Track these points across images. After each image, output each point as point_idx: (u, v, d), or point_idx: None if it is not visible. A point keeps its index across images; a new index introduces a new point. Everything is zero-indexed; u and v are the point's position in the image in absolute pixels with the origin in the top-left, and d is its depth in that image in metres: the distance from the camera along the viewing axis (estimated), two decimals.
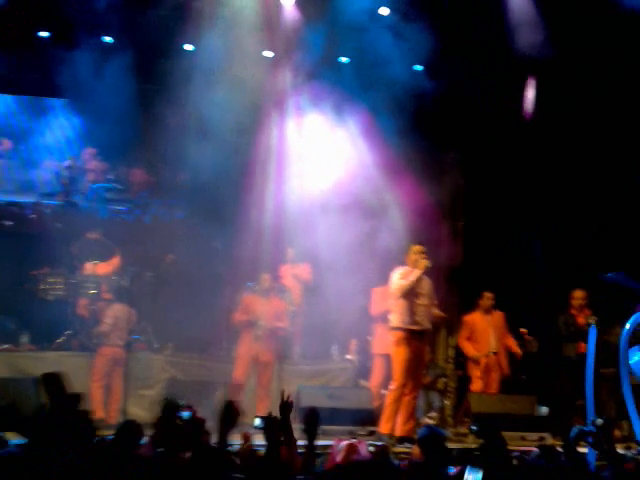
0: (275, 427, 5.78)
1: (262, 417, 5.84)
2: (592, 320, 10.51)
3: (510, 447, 6.27)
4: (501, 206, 13.20)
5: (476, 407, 10.48)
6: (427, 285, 9.79)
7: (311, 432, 5.97)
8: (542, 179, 12.95)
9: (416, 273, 9.58)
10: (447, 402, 11.45)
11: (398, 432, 9.64)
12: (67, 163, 13.83)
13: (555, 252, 12.75)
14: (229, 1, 12.29)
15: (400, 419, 9.69)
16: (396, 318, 9.65)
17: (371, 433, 9.90)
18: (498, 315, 11.38)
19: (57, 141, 13.92)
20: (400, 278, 9.63)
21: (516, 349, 11.27)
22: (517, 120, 13.22)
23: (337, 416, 9.86)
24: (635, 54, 11.67)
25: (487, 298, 11.34)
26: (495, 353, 11.22)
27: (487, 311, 11.34)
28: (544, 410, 9.90)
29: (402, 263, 9.84)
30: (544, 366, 11.19)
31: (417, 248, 9.73)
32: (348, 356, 12.48)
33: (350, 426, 9.86)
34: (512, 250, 12.95)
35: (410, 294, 9.58)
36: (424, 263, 9.57)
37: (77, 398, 6.47)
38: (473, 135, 13.23)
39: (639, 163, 12.29)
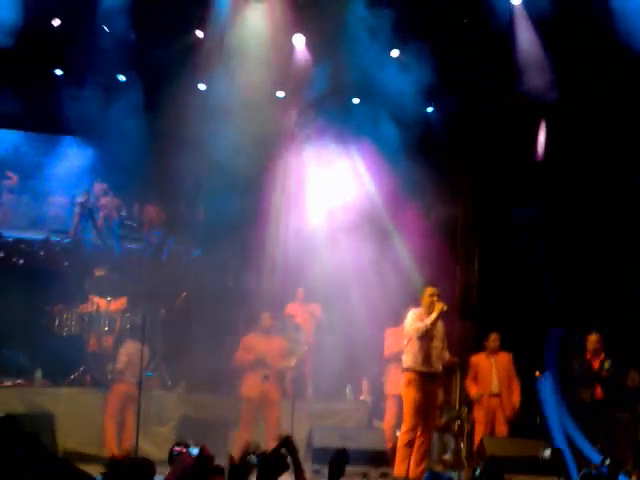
0: (271, 464, 5.92)
1: (259, 454, 5.97)
2: (607, 364, 10.75)
3: None
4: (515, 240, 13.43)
5: (490, 450, 10.56)
6: (441, 327, 9.92)
7: (337, 473, 6.13)
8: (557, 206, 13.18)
9: (433, 316, 9.71)
10: (462, 444, 11.61)
11: (411, 474, 9.72)
12: (79, 199, 14.03)
13: (573, 292, 12.89)
14: (240, 40, 12.62)
15: (413, 461, 9.76)
16: (409, 359, 9.78)
17: (384, 475, 10.04)
18: (504, 356, 11.51)
19: (68, 177, 14.00)
20: (415, 320, 9.78)
21: (516, 397, 11.34)
22: (528, 156, 13.47)
23: (350, 457, 9.97)
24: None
25: (493, 339, 11.49)
26: (497, 395, 11.34)
27: (492, 352, 11.49)
28: (547, 452, 9.99)
29: (415, 304, 10.00)
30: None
31: (431, 290, 9.86)
32: (362, 396, 12.67)
33: (363, 467, 9.96)
34: (528, 287, 13.12)
35: (425, 336, 9.71)
36: (440, 306, 9.71)
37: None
38: (483, 166, 13.55)
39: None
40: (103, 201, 14.16)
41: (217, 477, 6.24)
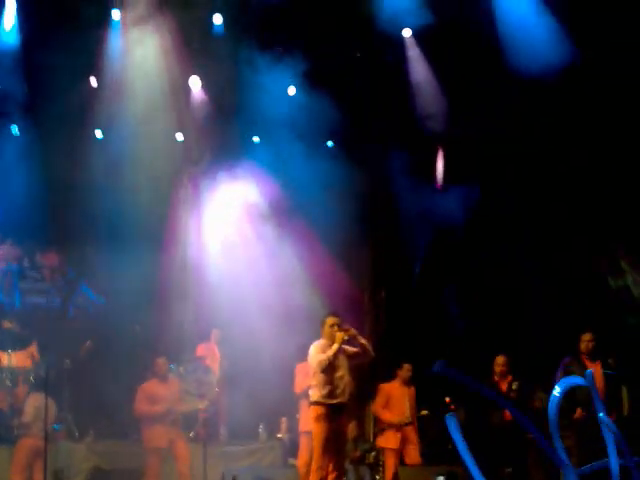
0: None
1: None
2: (515, 386, 11.30)
3: None
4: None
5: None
6: (345, 357, 10.08)
7: None
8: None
9: (334, 347, 9.90)
10: (378, 476, 12.03)
11: None
12: None
13: (479, 318, 13.52)
14: (134, 85, 13.10)
15: None
16: (315, 393, 9.98)
17: None
18: (413, 387, 12.05)
19: None
20: (317, 352, 10.01)
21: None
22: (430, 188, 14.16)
23: None
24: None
25: (406, 369, 11.98)
26: (410, 423, 11.86)
27: (405, 382, 11.99)
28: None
29: (319, 336, 10.20)
30: (470, 434, 11.75)
31: (331, 320, 10.04)
32: (279, 434, 13.05)
33: None
34: (434, 319, 13.72)
35: (328, 368, 9.90)
36: (340, 336, 9.92)
37: None
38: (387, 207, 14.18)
39: None
40: (0, 252, 14.07)
41: None
